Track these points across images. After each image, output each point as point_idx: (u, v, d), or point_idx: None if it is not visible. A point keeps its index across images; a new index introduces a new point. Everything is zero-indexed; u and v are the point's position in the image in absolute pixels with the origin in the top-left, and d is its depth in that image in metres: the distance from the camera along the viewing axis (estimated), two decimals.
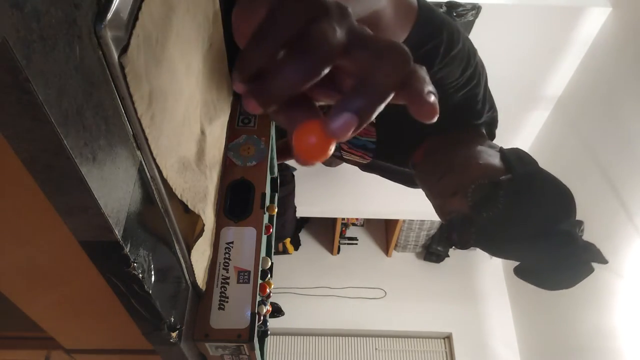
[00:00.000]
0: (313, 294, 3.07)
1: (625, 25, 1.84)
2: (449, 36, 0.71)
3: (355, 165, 1.06)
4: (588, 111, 2.11)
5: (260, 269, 0.65)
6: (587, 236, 0.74)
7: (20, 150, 0.26)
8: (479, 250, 3.42)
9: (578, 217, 0.75)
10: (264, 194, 0.71)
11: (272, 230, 0.81)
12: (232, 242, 0.66)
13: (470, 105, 0.81)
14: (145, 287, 0.40)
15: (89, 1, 0.27)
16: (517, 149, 0.80)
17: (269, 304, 0.74)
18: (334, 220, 3.14)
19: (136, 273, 0.38)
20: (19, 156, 0.27)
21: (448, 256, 3.27)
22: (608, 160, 1.99)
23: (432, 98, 0.27)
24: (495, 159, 0.76)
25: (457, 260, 3.29)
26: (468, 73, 0.76)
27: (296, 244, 3.27)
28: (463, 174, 0.76)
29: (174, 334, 0.50)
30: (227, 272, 0.63)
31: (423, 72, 0.28)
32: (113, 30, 0.30)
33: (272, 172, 0.86)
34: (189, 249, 0.54)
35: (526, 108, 2.36)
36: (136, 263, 0.38)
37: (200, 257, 0.58)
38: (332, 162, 2.34)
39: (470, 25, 1.86)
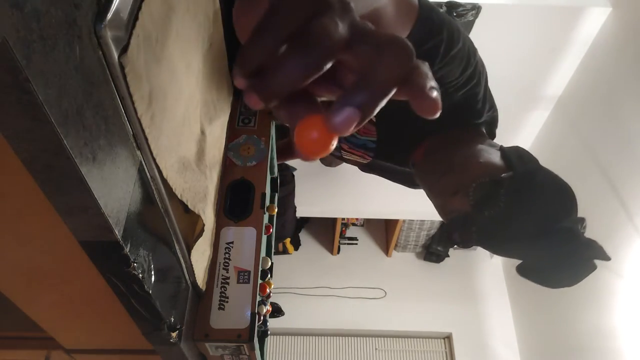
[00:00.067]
0: (313, 294, 3.07)
1: (625, 25, 1.84)
2: (449, 35, 0.71)
3: (355, 165, 1.06)
4: (588, 111, 2.11)
5: (260, 269, 0.65)
6: (587, 235, 0.73)
7: (20, 150, 0.26)
8: (479, 250, 3.41)
9: (578, 216, 0.75)
10: (264, 194, 0.71)
11: (272, 230, 0.81)
12: (232, 242, 0.66)
13: (471, 105, 0.81)
14: (145, 287, 0.40)
15: (89, 1, 0.27)
16: (517, 147, 0.80)
17: (269, 304, 0.74)
18: (334, 220, 3.14)
19: (136, 273, 0.38)
20: (19, 156, 0.26)
21: (448, 256, 3.27)
22: (608, 160, 1.99)
23: (435, 93, 0.27)
24: (495, 158, 0.76)
25: (457, 260, 3.29)
26: (468, 72, 0.76)
27: (296, 244, 3.26)
28: (464, 173, 0.75)
29: (174, 334, 0.50)
30: (227, 272, 0.63)
31: (426, 67, 0.27)
32: (113, 30, 0.30)
33: (272, 172, 0.86)
34: (189, 249, 0.54)
35: (526, 108, 2.35)
36: (136, 263, 0.38)
37: (200, 257, 0.58)
38: (332, 162, 2.33)
39: (470, 25, 1.86)
